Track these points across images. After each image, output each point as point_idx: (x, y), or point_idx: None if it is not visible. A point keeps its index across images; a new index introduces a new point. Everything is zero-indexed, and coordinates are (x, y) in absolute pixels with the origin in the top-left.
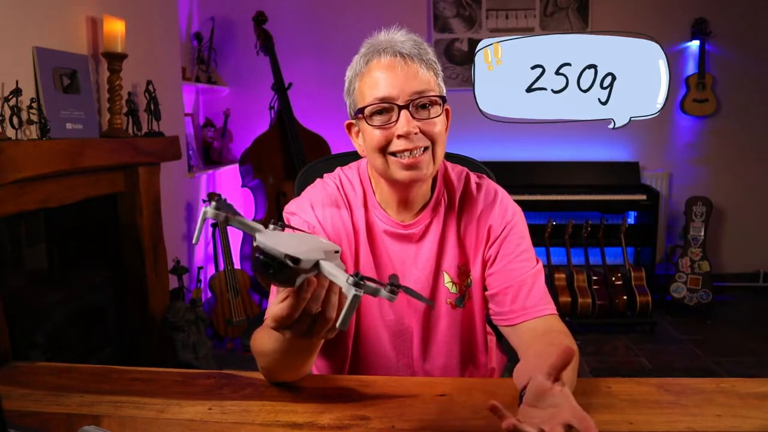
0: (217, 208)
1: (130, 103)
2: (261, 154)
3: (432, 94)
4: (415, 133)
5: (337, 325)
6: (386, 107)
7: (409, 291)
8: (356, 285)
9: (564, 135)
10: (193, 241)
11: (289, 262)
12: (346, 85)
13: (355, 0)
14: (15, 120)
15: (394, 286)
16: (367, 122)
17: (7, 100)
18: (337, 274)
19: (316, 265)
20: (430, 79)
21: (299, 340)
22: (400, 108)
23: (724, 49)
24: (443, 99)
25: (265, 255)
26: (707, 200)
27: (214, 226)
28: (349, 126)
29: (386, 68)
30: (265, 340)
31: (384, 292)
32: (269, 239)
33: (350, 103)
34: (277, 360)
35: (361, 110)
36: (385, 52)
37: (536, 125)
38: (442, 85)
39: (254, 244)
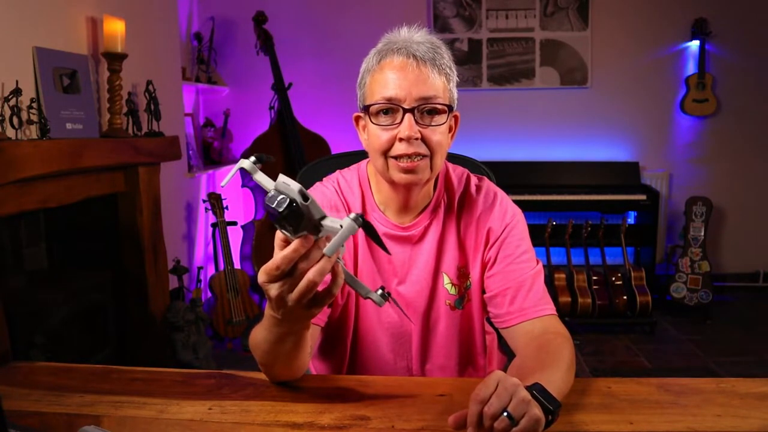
0: (254, 162)
1: (130, 103)
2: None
3: (439, 101)
4: (416, 139)
5: (326, 250)
6: (392, 108)
7: (396, 303)
8: (355, 220)
9: (564, 135)
10: (222, 184)
11: (300, 198)
12: (359, 77)
13: (355, 0)
14: (15, 120)
15: (385, 292)
16: (371, 120)
17: (7, 100)
18: (336, 227)
19: (320, 224)
20: (440, 85)
21: (284, 324)
22: (405, 111)
23: (724, 49)
24: (450, 108)
25: (281, 193)
26: (707, 200)
27: (213, 225)
28: (357, 119)
29: (397, 69)
30: (257, 330)
31: (375, 296)
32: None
33: (360, 96)
34: (268, 351)
35: (368, 107)
36: (399, 52)
37: (536, 125)
38: (454, 91)
39: (273, 184)
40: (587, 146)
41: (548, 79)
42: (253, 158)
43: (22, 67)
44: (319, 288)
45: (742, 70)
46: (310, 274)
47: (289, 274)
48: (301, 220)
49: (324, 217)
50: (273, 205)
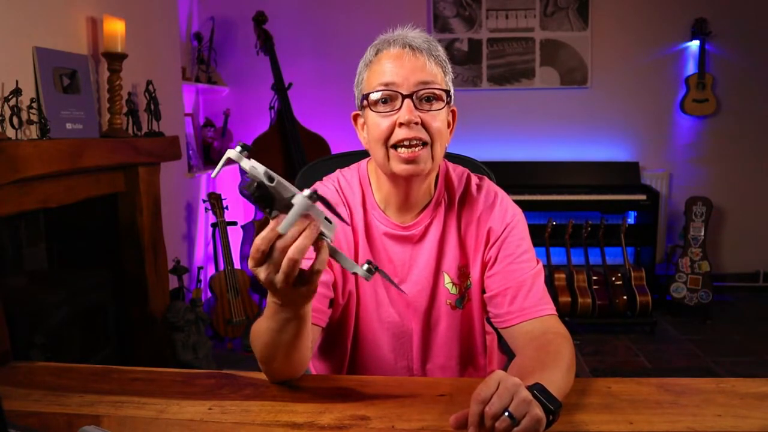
0: (240, 151)
1: (130, 103)
2: (261, 154)
3: (437, 87)
4: (416, 123)
5: (279, 228)
6: (390, 95)
7: (383, 274)
8: (310, 197)
9: (564, 135)
10: (212, 175)
11: (266, 179)
12: (356, 75)
13: (355, 0)
14: (15, 120)
15: (372, 266)
16: (371, 109)
17: (7, 100)
18: (293, 197)
19: (290, 203)
20: (436, 73)
21: (285, 309)
22: (404, 97)
23: (724, 49)
24: (448, 93)
25: (251, 177)
26: (707, 200)
27: (213, 225)
28: (356, 117)
29: (394, 58)
30: (259, 322)
31: (361, 270)
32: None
33: (358, 93)
34: (269, 341)
35: (366, 96)
36: (395, 43)
37: (536, 125)
38: (450, 84)
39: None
40: (587, 146)
41: (548, 79)
42: (239, 147)
43: (22, 67)
44: (305, 267)
45: (742, 70)
46: (290, 253)
47: (270, 255)
48: (272, 200)
49: (294, 195)
50: (245, 189)
